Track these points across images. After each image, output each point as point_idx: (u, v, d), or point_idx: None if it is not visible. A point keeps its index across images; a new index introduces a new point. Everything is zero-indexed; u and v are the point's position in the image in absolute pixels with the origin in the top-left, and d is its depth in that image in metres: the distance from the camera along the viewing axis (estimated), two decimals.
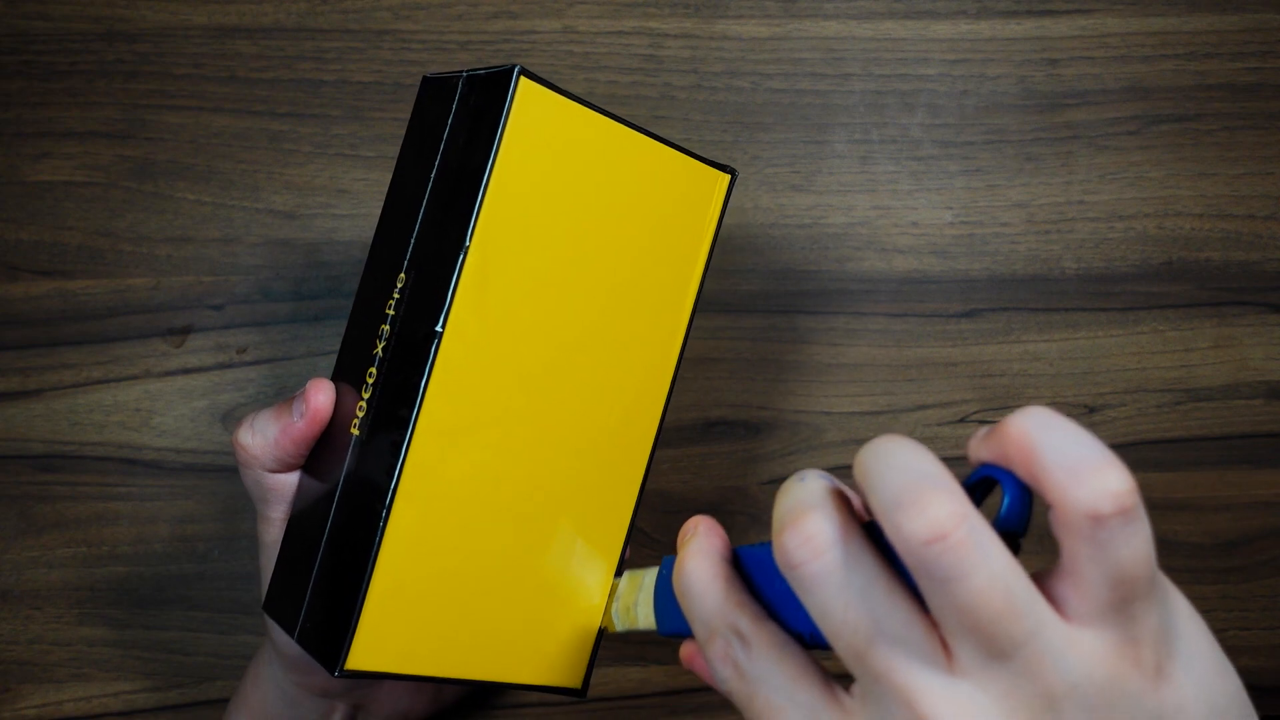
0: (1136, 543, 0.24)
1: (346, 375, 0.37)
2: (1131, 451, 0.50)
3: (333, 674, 0.33)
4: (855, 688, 0.27)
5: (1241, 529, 0.51)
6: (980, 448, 0.28)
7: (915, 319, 0.51)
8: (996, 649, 0.24)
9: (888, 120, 0.51)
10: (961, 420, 0.51)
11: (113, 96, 0.51)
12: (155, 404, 0.51)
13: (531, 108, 0.34)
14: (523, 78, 0.33)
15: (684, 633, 0.33)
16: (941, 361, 0.51)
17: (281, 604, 0.37)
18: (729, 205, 0.40)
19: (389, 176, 0.51)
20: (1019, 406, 0.51)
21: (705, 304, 0.51)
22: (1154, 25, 0.51)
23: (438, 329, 0.33)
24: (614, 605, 0.38)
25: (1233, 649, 0.51)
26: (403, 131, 0.51)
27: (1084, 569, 0.25)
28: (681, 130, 0.51)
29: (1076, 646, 0.25)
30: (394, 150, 0.51)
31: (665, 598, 0.34)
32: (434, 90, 0.37)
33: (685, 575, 0.30)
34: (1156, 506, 0.51)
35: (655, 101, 0.51)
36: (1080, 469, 0.25)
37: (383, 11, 0.51)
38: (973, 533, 0.25)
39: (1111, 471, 0.24)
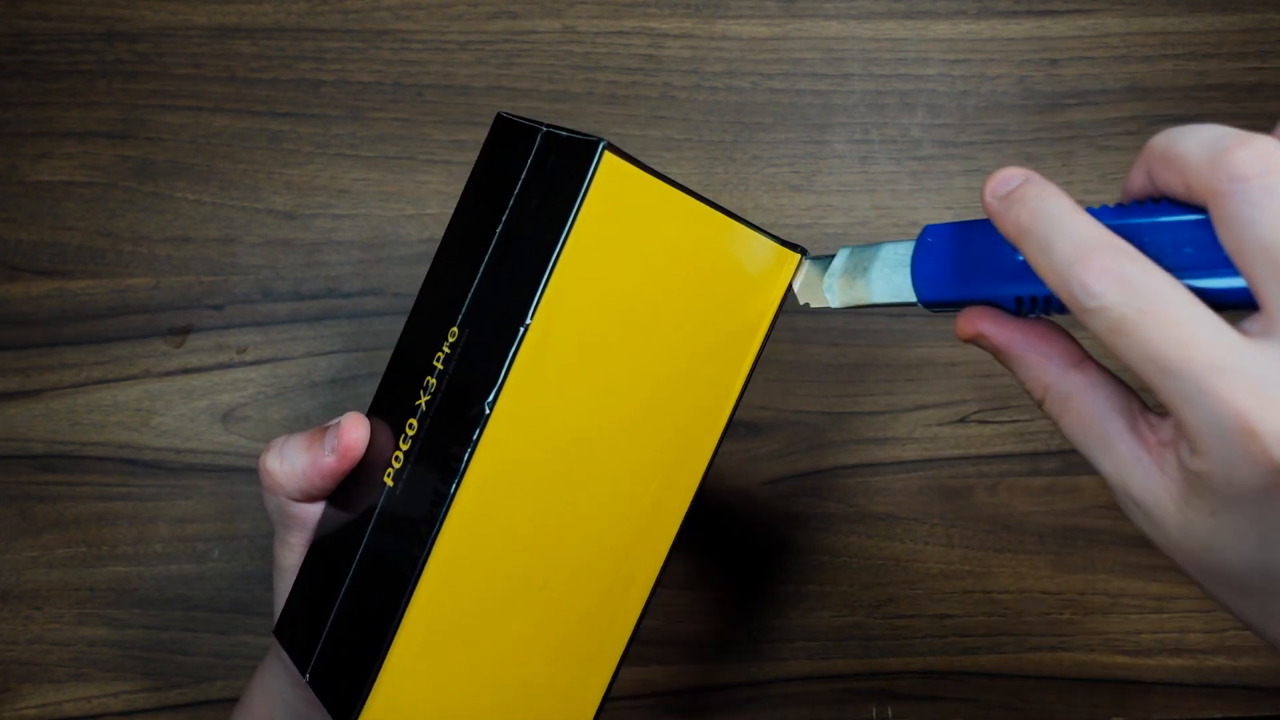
0: None
1: (385, 415, 0.36)
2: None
3: None
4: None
5: None
6: (1133, 180, 0.28)
7: (915, 319, 0.51)
8: None
9: (888, 120, 0.51)
10: (961, 420, 0.51)
11: (113, 96, 0.51)
12: (155, 404, 0.51)
13: (612, 185, 0.32)
14: (607, 153, 0.32)
15: (950, 298, 0.32)
16: (941, 361, 0.51)
17: (294, 636, 0.36)
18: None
19: (389, 176, 0.51)
20: (1019, 407, 0.51)
21: None
22: (1154, 25, 0.51)
23: (487, 409, 0.32)
24: (825, 281, 0.36)
25: (1233, 649, 0.51)
26: (403, 131, 0.51)
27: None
28: (681, 130, 0.51)
29: None
30: (394, 150, 0.51)
31: (936, 262, 0.32)
32: (509, 134, 0.36)
33: (1045, 201, 0.27)
34: None
35: (655, 101, 0.51)
36: (1215, 151, 0.25)
37: (383, 11, 0.51)
38: None
39: (1245, 143, 0.24)
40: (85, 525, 0.51)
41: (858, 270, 0.36)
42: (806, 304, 0.37)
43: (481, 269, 0.34)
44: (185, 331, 0.51)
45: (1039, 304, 0.30)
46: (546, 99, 0.51)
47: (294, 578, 0.38)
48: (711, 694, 0.50)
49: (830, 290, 0.36)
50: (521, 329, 0.32)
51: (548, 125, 0.34)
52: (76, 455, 0.50)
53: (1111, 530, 0.51)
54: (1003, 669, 0.50)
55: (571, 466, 0.34)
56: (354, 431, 0.36)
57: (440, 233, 0.50)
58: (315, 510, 0.37)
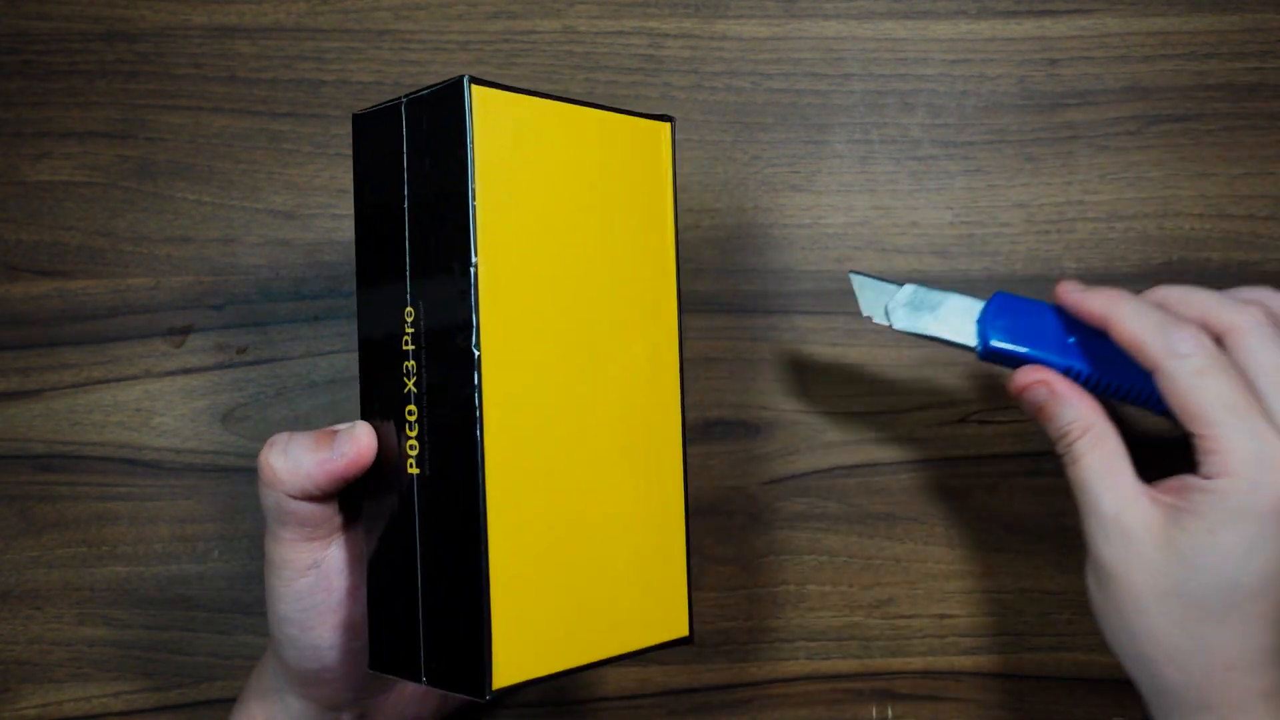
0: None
1: (379, 416, 0.37)
2: (1133, 451, 0.50)
3: (483, 699, 0.33)
4: None
5: None
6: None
7: None
8: None
9: (887, 120, 0.51)
10: (961, 420, 0.51)
11: (113, 96, 0.51)
12: (155, 404, 0.51)
13: (489, 111, 0.34)
14: (473, 86, 0.34)
15: (1011, 354, 0.42)
16: (941, 361, 0.51)
17: (393, 656, 0.36)
18: (677, 157, 0.41)
19: None
20: (1018, 407, 0.51)
21: (705, 304, 0.51)
22: (1154, 25, 0.51)
23: (475, 350, 0.33)
24: (890, 305, 0.44)
25: None
26: None
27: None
28: (681, 130, 0.51)
29: None
30: None
31: (1007, 319, 0.42)
32: (372, 125, 0.37)
33: (1131, 308, 0.38)
34: None
35: (655, 101, 0.51)
36: (1234, 303, 0.39)
37: (383, 11, 0.51)
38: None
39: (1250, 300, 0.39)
40: (85, 525, 0.51)
41: (924, 306, 0.44)
42: (869, 317, 0.44)
43: (408, 248, 0.35)
44: (185, 331, 0.51)
45: (1080, 376, 0.41)
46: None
47: (287, 572, 0.38)
48: (711, 694, 0.50)
49: (894, 315, 0.44)
50: (472, 273, 0.33)
51: (407, 96, 0.35)
52: (76, 455, 0.50)
53: None
54: (1003, 669, 0.50)
55: (569, 356, 0.36)
56: (367, 437, 0.36)
57: None
58: (310, 508, 0.37)
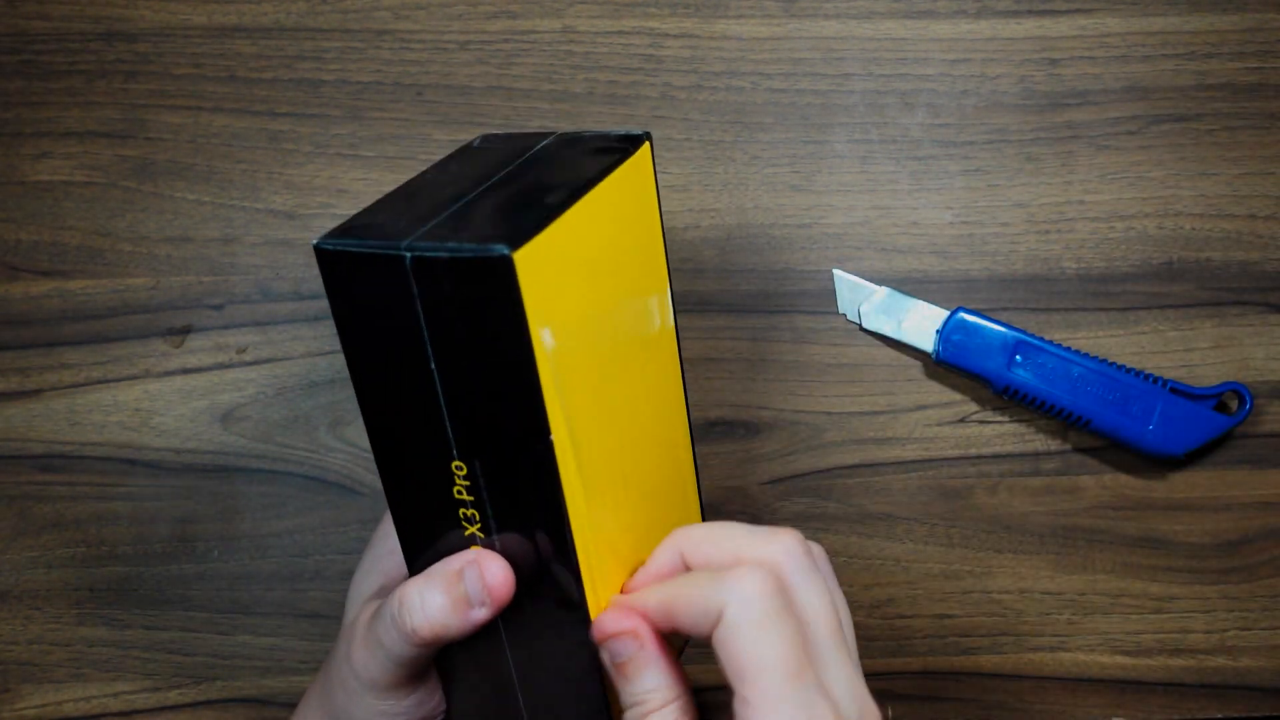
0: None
1: (429, 547, 0.35)
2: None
3: None
4: None
5: (1241, 529, 0.51)
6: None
7: None
8: None
9: (888, 120, 0.51)
10: (961, 420, 0.51)
11: (112, 96, 0.51)
12: (155, 404, 0.51)
13: (534, 272, 0.30)
14: (515, 256, 0.29)
15: (958, 365, 0.49)
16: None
17: None
18: (659, 177, 0.38)
19: (389, 176, 0.51)
20: (1019, 407, 0.51)
21: (705, 304, 0.51)
22: (1154, 25, 0.51)
23: (563, 507, 0.32)
24: (863, 308, 0.48)
25: (1233, 649, 0.51)
26: (403, 131, 0.51)
27: None
28: (681, 130, 0.51)
29: None
30: (394, 150, 0.51)
31: (963, 335, 0.49)
32: (358, 271, 0.31)
33: (675, 585, 0.33)
34: (1157, 506, 0.51)
35: (655, 101, 0.51)
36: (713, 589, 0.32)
37: (382, 11, 0.51)
38: None
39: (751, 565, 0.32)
40: (85, 525, 0.51)
41: (893, 311, 0.49)
42: (845, 314, 0.48)
43: (445, 409, 0.32)
44: (185, 331, 0.51)
45: (1020, 395, 0.49)
46: (546, 99, 0.51)
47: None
48: (711, 694, 0.50)
49: (864, 315, 0.49)
50: (545, 440, 0.31)
51: (406, 245, 0.30)
52: (76, 455, 0.50)
53: (1111, 530, 0.51)
54: (1002, 669, 0.50)
55: (614, 411, 0.35)
56: (501, 574, 0.33)
57: None
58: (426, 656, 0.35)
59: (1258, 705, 0.51)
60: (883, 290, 0.50)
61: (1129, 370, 0.49)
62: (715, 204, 0.51)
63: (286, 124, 0.51)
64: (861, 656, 0.51)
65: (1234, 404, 0.50)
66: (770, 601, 0.30)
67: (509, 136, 0.38)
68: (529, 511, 0.32)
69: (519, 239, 0.29)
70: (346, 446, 0.51)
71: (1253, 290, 0.51)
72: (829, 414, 0.51)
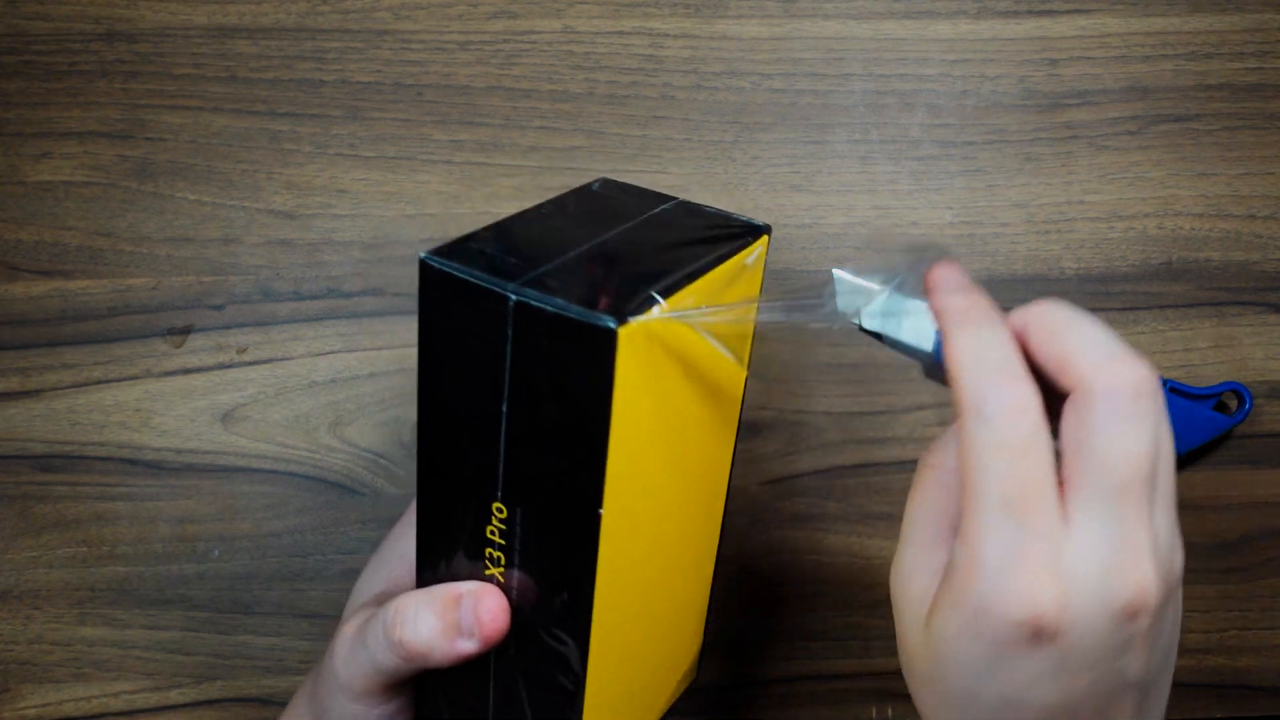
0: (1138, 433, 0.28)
1: (446, 563, 0.35)
2: None
3: None
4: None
5: (1241, 529, 0.51)
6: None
7: None
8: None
9: (887, 120, 0.51)
10: None
11: (113, 97, 0.51)
12: (155, 404, 0.51)
13: (634, 351, 0.29)
14: (620, 331, 0.28)
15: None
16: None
17: None
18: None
19: (389, 176, 0.51)
20: None
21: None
22: (1154, 25, 0.51)
23: (594, 571, 0.32)
24: (865, 310, 0.43)
25: (1232, 649, 0.51)
26: (403, 131, 0.51)
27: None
28: (681, 130, 0.51)
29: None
30: (394, 150, 0.51)
31: None
32: (458, 295, 0.30)
33: (970, 334, 0.31)
34: None
35: (655, 101, 0.51)
36: (1109, 355, 0.28)
37: (382, 12, 0.51)
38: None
39: (1136, 362, 0.28)
40: (85, 525, 0.51)
41: (893, 312, 0.45)
42: (844, 314, 0.44)
43: (502, 451, 0.32)
44: (185, 331, 0.51)
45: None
46: (546, 99, 0.51)
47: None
48: (711, 694, 0.50)
49: (863, 316, 0.44)
50: (598, 515, 0.31)
51: (514, 287, 0.29)
52: (77, 455, 0.50)
53: None
54: None
55: (662, 489, 0.35)
56: (497, 612, 0.33)
57: (440, 232, 0.50)
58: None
59: (1256, 704, 0.51)
60: (885, 291, 0.49)
61: None
62: (715, 204, 0.51)
63: (287, 124, 0.51)
64: (861, 656, 0.51)
65: (1233, 404, 0.50)
66: (1013, 434, 0.28)
67: (627, 189, 0.37)
68: (557, 572, 0.32)
69: (626, 314, 0.28)
70: (346, 446, 0.51)
71: (1252, 290, 0.51)
72: (829, 414, 0.51)
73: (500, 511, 0.32)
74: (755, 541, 0.50)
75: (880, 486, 0.51)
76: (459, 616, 0.33)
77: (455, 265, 0.30)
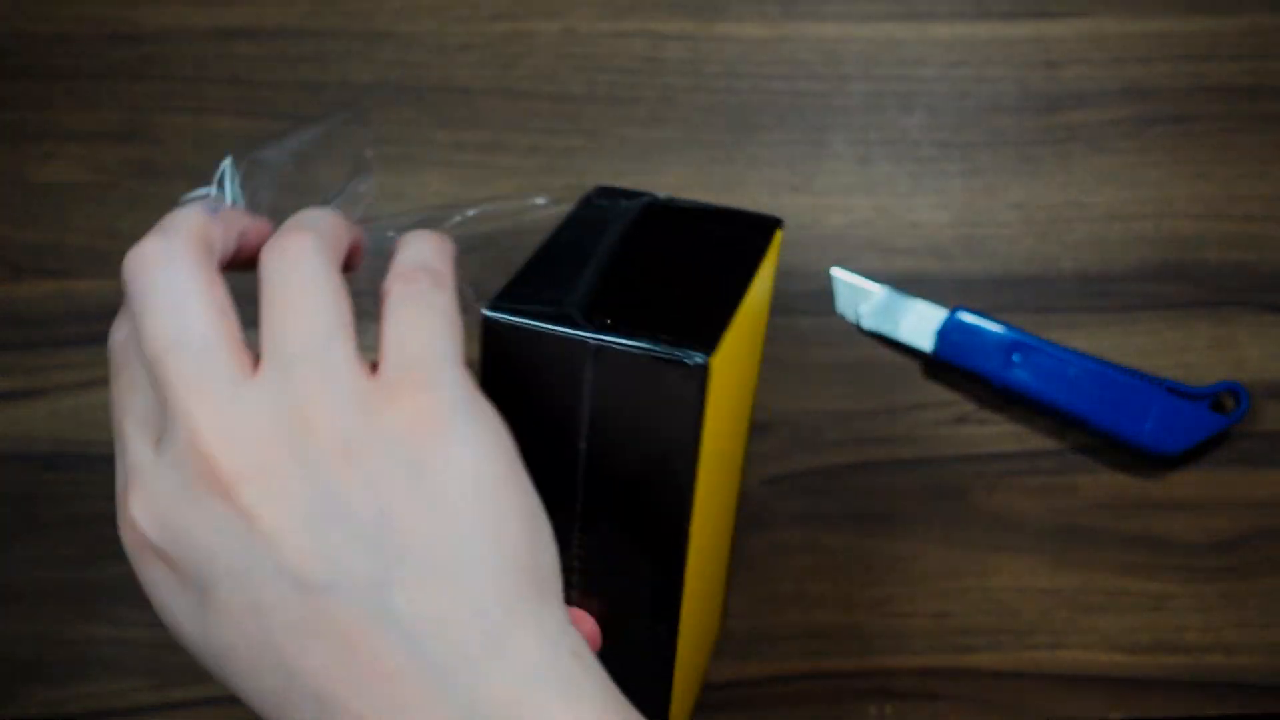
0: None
1: None
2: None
3: None
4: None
5: (1238, 528, 0.51)
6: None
7: None
8: (283, 359, 0.28)
9: (887, 122, 0.51)
10: (960, 420, 0.51)
11: (116, 98, 0.51)
12: None
13: (718, 375, 0.30)
14: (711, 362, 0.29)
15: (957, 367, 0.49)
16: (942, 362, 0.51)
17: None
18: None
19: (389, 177, 0.51)
20: (1018, 407, 0.51)
21: None
22: (1151, 28, 0.52)
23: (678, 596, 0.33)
24: (861, 308, 0.48)
25: (1229, 647, 0.51)
26: (404, 132, 0.51)
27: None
28: (681, 131, 0.51)
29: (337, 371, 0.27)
30: (395, 150, 0.51)
31: (962, 335, 0.49)
32: (528, 346, 0.30)
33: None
34: (1154, 505, 0.51)
35: (655, 103, 0.51)
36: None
37: (384, 13, 0.51)
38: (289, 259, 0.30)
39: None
40: (88, 524, 0.51)
41: (892, 311, 0.49)
42: (844, 314, 0.48)
43: (581, 486, 0.32)
44: None
45: (1019, 395, 0.49)
46: (547, 100, 0.51)
47: None
48: (711, 693, 0.51)
49: (863, 315, 0.49)
50: (683, 544, 0.32)
51: (593, 335, 0.29)
52: (80, 454, 0.51)
53: (1110, 529, 0.51)
54: (1001, 667, 0.51)
55: (717, 483, 0.36)
56: (591, 635, 0.34)
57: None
58: None
59: (1253, 703, 0.51)
60: (882, 290, 0.50)
61: (1126, 370, 0.49)
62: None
63: (288, 125, 0.51)
64: (861, 655, 0.51)
65: (1230, 403, 0.50)
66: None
67: (628, 194, 0.38)
68: (642, 589, 0.33)
69: (709, 342, 0.29)
70: None
71: (1249, 291, 0.51)
72: (829, 414, 0.51)
73: (581, 540, 0.33)
74: (755, 541, 0.51)
75: (880, 486, 0.51)
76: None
77: (521, 320, 0.30)
